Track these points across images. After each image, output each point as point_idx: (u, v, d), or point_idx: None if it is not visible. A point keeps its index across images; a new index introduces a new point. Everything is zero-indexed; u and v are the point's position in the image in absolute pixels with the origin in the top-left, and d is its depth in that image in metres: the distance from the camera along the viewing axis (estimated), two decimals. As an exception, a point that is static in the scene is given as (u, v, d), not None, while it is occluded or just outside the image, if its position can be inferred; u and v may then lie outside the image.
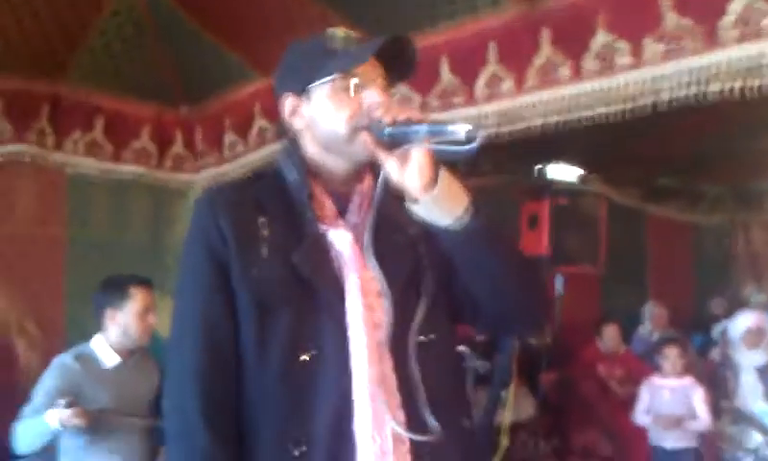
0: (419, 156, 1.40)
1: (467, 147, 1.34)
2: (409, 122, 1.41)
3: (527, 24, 3.52)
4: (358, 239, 1.54)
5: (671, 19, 3.12)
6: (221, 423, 1.48)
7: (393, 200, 1.51)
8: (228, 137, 5.02)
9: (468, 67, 3.71)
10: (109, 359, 3.41)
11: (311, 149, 1.58)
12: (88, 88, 4.74)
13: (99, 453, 3.30)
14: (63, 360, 3.38)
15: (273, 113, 4.63)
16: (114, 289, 3.45)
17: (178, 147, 5.23)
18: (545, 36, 3.47)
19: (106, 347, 3.43)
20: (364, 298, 1.51)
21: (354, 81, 1.51)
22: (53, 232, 4.83)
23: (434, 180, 1.41)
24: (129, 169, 5.06)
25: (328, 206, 1.56)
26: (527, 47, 3.54)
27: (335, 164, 1.57)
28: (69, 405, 3.11)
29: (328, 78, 1.51)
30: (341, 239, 1.54)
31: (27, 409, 3.29)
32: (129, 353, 3.47)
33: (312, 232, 1.52)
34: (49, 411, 3.14)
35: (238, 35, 4.38)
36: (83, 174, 4.89)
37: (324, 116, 1.53)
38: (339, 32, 1.56)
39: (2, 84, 4.45)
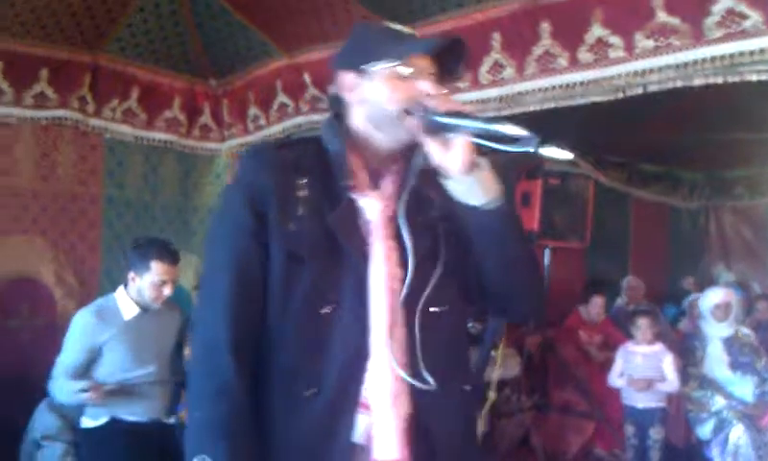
0: (461, 143, 1.41)
1: (515, 147, 1.36)
2: (460, 114, 1.42)
3: (528, 16, 3.49)
4: (386, 211, 1.55)
5: (661, 17, 3.11)
6: (243, 354, 1.48)
7: (420, 183, 1.54)
8: (252, 111, 5.01)
9: (473, 54, 3.66)
10: (128, 312, 3.45)
11: (358, 123, 1.59)
12: (126, 61, 4.73)
13: (124, 401, 3.37)
14: (84, 318, 3.42)
15: (293, 90, 4.68)
16: (140, 256, 3.47)
17: (205, 118, 5.22)
18: (545, 28, 3.46)
19: (127, 299, 3.47)
20: (386, 263, 1.52)
21: (411, 69, 1.51)
22: (91, 191, 4.84)
23: (472, 165, 1.44)
24: (160, 136, 5.06)
25: (363, 177, 1.57)
26: (528, 38, 3.52)
27: (378, 141, 1.57)
28: (85, 390, 3.20)
29: (390, 63, 1.52)
30: (371, 208, 1.55)
31: (60, 367, 3.36)
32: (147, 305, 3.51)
33: (346, 198, 1.53)
34: (77, 388, 3.22)
35: (264, 15, 4.33)
36: (119, 139, 4.90)
37: (379, 96, 1.53)
38: (400, 26, 1.58)
39: (48, 54, 4.43)
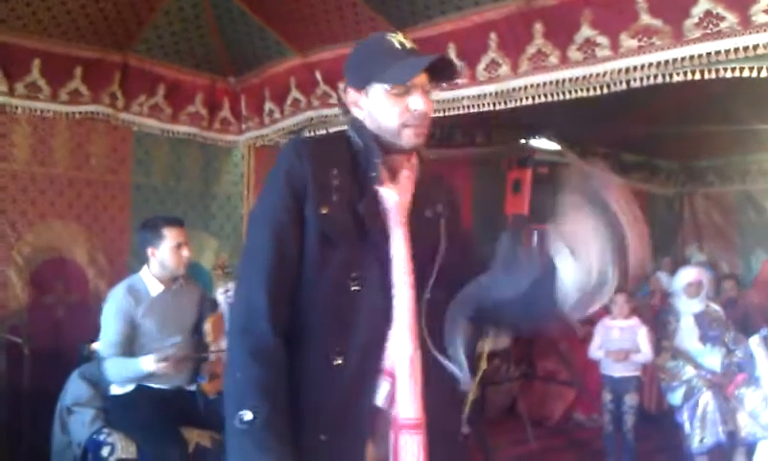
0: None
1: None
2: None
3: (523, 18, 3.42)
4: (401, 201, 1.59)
5: (644, 19, 3.06)
6: (279, 321, 1.49)
7: (429, 180, 1.63)
8: (268, 106, 4.94)
9: (471, 53, 3.62)
10: (154, 289, 3.42)
11: (371, 129, 1.62)
12: (153, 60, 4.67)
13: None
14: (118, 296, 3.36)
15: (305, 87, 4.61)
16: (151, 230, 3.44)
17: (225, 112, 5.16)
18: (538, 28, 3.39)
19: (150, 277, 3.43)
20: (405, 247, 1.56)
21: (404, 87, 1.55)
22: (121, 179, 4.78)
23: None
24: (184, 129, 4.99)
25: (383, 170, 1.59)
26: (522, 37, 3.46)
27: (388, 144, 1.60)
28: (161, 360, 3.18)
29: (385, 84, 1.55)
30: (390, 198, 1.57)
31: (107, 348, 3.31)
32: (170, 282, 3.46)
33: (373, 188, 1.56)
34: (143, 359, 3.20)
35: (279, 18, 4.26)
36: (146, 132, 4.84)
37: (379, 111, 1.58)
38: (396, 41, 1.58)
39: (82, 54, 4.36)
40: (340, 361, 1.49)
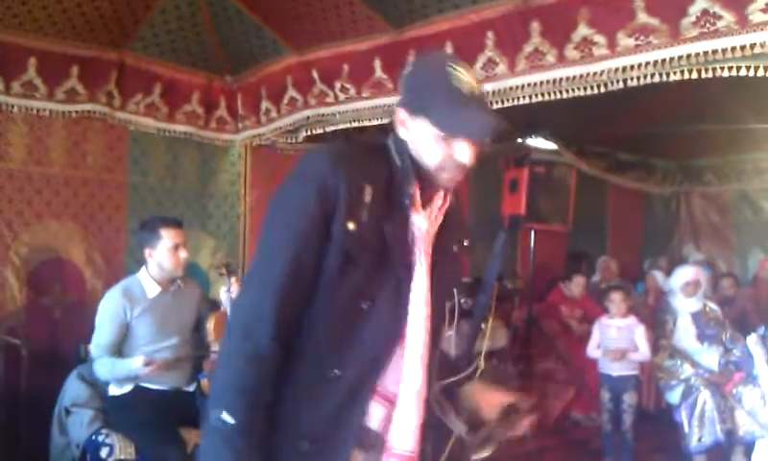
0: None
1: None
2: None
3: (520, 16, 3.43)
4: (430, 230, 1.58)
5: (641, 18, 3.06)
6: (283, 330, 1.47)
7: (454, 210, 1.64)
8: (264, 104, 4.93)
9: (468, 51, 3.60)
10: (151, 290, 3.42)
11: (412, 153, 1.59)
12: (149, 59, 4.65)
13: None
14: (114, 298, 3.37)
15: (302, 85, 4.61)
16: (148, 231, 3.45)
17: (221, 111, 5.15)
18: (535, 27, 3.40)
19: (148, 279, 3.43)
20: (429, 276, 1.56)
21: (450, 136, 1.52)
22: (117, 178, 4.77)
23: None
24: (180, 128, 4.98)
25: (417, 195, 1.56)
26: (519, 36, 3.46)
27: (426, 174, 1.57)
28: (147, 364, 3.20)
29: (434, 125, 1.50)
30: (421, 226, 1.56)
31: (98, 349, 3.33)
32: (168, 282, 3.47)
33: (404, 211, 1.54)
34: (135, 359, 3.23)
35: (276, 16, 4.26)
36: (143, 131, 4.83)
37: (423, 145, 1.53)
38: (461, 78, 1.50)
39: (78, 53, 4.35)
40: (335, 374, 1.48)
